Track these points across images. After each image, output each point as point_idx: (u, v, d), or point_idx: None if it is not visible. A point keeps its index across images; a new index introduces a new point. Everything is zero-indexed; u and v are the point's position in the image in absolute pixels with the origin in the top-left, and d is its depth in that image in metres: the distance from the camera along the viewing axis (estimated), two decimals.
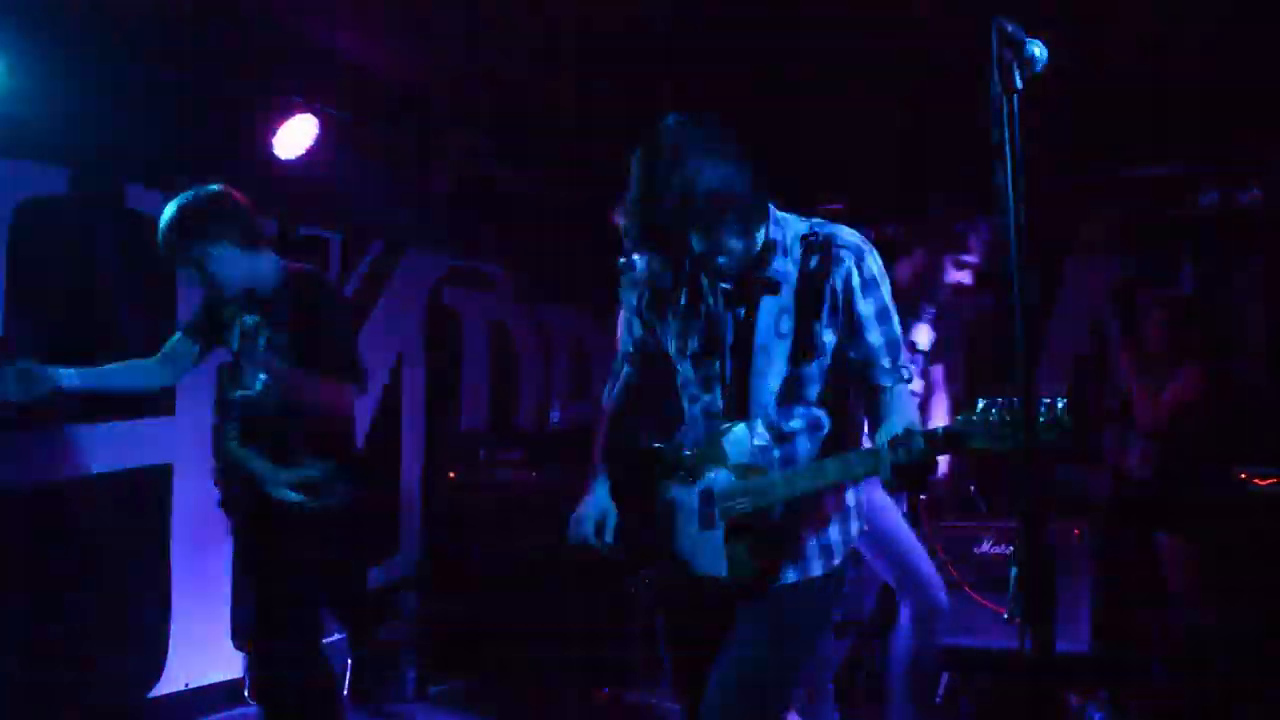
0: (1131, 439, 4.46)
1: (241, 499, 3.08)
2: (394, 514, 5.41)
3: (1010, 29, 1.67)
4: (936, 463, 2.80)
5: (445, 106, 4.97)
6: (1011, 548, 4.33)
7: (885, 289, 2.18)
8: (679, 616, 2.38)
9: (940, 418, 3.73)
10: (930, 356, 3.67)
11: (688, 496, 2.25)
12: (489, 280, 6.07)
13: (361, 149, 4.80)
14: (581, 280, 5.79)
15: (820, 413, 2.22)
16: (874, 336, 2.16)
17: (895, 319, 2.20)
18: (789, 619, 2.22)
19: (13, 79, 3.50)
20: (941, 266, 3.60)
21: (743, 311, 2.20)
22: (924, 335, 3.61)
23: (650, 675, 4.52)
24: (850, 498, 2.29)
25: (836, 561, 2.26)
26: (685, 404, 2.36)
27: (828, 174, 4.88)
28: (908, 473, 1.97)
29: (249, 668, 4.06)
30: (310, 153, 4.41)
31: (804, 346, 2.17)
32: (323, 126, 4.43)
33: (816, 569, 2.24)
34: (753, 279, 2.18)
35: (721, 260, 2.11)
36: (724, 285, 2.20)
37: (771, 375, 2.19)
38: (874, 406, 2.19)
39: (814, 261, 2.17)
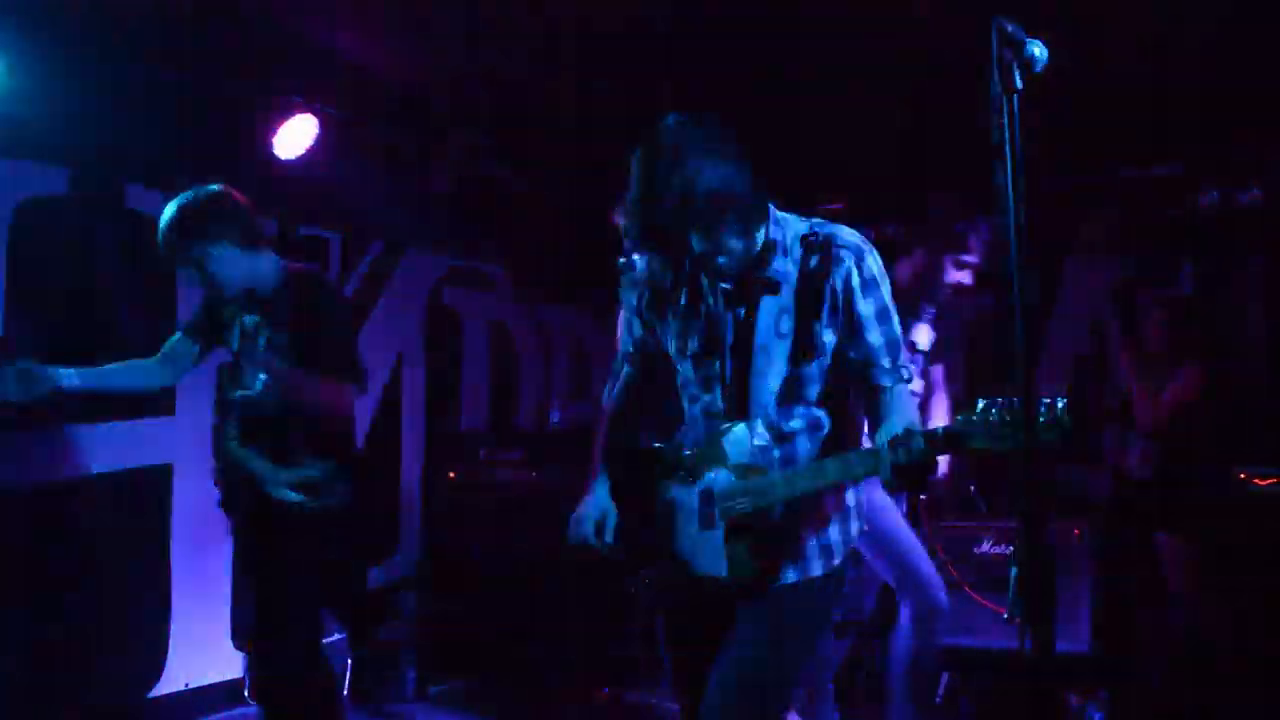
0: (1131, 439, 4.46)
1: (241, 499, 3.08)
2: (394, 514, 5.41)
3: (1010, 29, 1.67)
4: (936, 463, 2.80)
5: (445, 106, 4.97)
6: (1011, 548, 4.33)
7: (885, 289, 2.18)
8: (679, 616, 2.38)
9: (940, 418, 3.73)
10: (930, 356, 3.68)
11: (688, 496, 2.25)
12: (489, 280, 6.07)
13: (361, 149, 4.80)
14: (581, 280, 5.78)
15: (820, 413, 2.22)
16: (874, 336, 2.16)
17: (895, 319, 2.20)
18: (789, 619, 2.22)
19: (13, 79, 3.50)
20: (942, 266, 3.61)
21: (743, 311, 2.20)
22: (924, 335, 3.61)
23: (650, 675, 4.52)
24: (850, 498, 2.29)
25: (836, 561, 2.26)
26: (685, 404, 2.36)
27: (828, 174, 4.88)
28: (908, 473, 1.97)
29: (249, 668, 4.05)
30: (310, 153, 4.41)
31: (804, 346, 2.17)
32: (323, 126, 4.43)
33: (816, 569, 2.24)
34: (753, 279, 2.18)
35: (721, 260, 2.11)
36: (724, 285, 2.20)
37: (771, 375, 2.19)
38: (874, 406, 2.19)
39: (814, 261, 2.17)
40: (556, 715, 4.63)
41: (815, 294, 2.15)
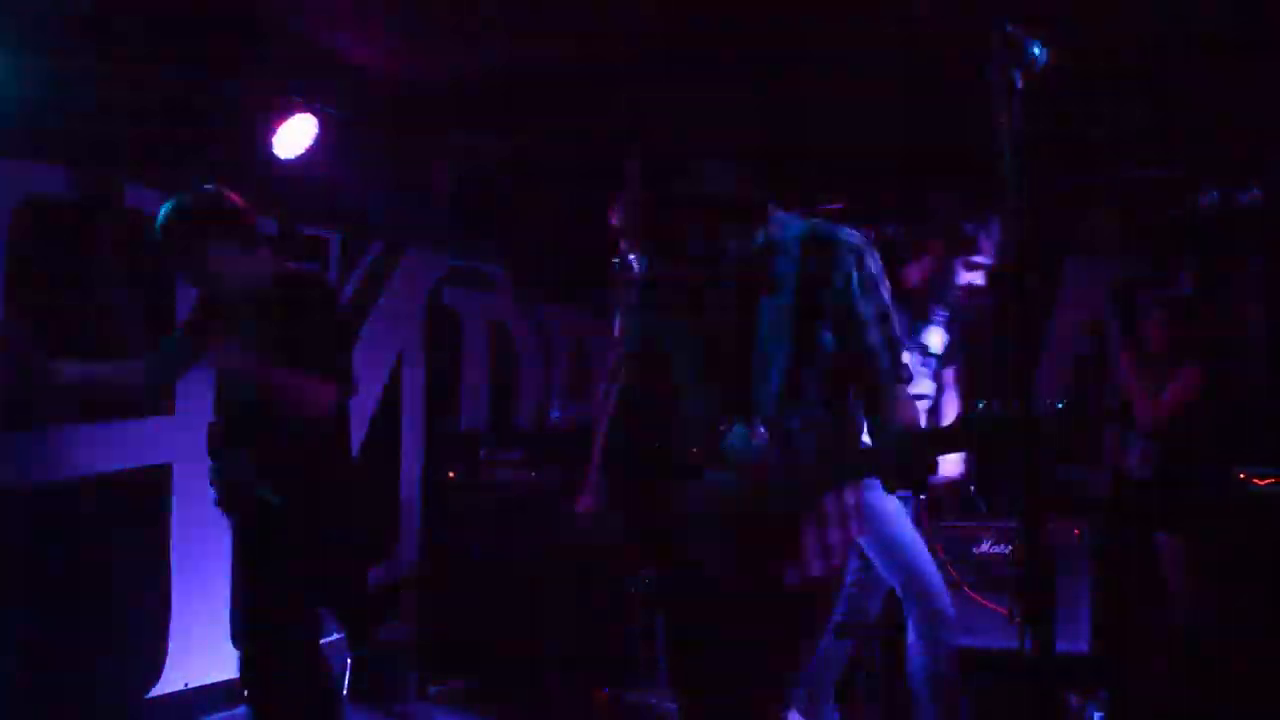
0: (1131, 439, 4.46)
1: (236, 498, 3.07)
2: (394, 514, 5.41)
3: (1010, 29, 1.67)
4: (936, 463, 2.80)
5: (445, 106, 4.96)
6: (1011, 548, 4.33)
7: (885, 289, 2.18)
8: (679, 616, 2.38)
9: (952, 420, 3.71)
10: (942, 359, 3.66)
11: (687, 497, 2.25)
12: (489, 280, 6.07)
13: (361, 149, 4.79)
14: (581, 280, 5.78)
15: (820, 413, 2.22)
16: (874, 337, 2.16)
17: (894, 319, 2.20)
18: (788, 619, 2.22)
19: (13, 79, 3.50)
20: (952, 269, 3.56)
21: (743, 312, 2.20)
22: (936, 338, 3.60)
23: (650, 675, 4.51)
24: (850, 498, 2.29)
25: (836, 562, 2.26)
26: (685, 404, 2.35)
27: (828, 174, 4.88)
28: (906, 473, 1.97)
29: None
30: (310, 153, 4.40)
31: (804, 347, 2.17)
32: (323, 126, 4.42)
33: (816, 569, 2.23)
34: (753, 279, 2.18)
35: (721, 261, 2.10)
36: (724, 285, 2.20)
37: (772, 375, 2.19)
38: (874, 407, 2.19)
39: (814, 262, 2.16)
40: (556, 715, 4.63)
41: (815, 294, 2.15)
